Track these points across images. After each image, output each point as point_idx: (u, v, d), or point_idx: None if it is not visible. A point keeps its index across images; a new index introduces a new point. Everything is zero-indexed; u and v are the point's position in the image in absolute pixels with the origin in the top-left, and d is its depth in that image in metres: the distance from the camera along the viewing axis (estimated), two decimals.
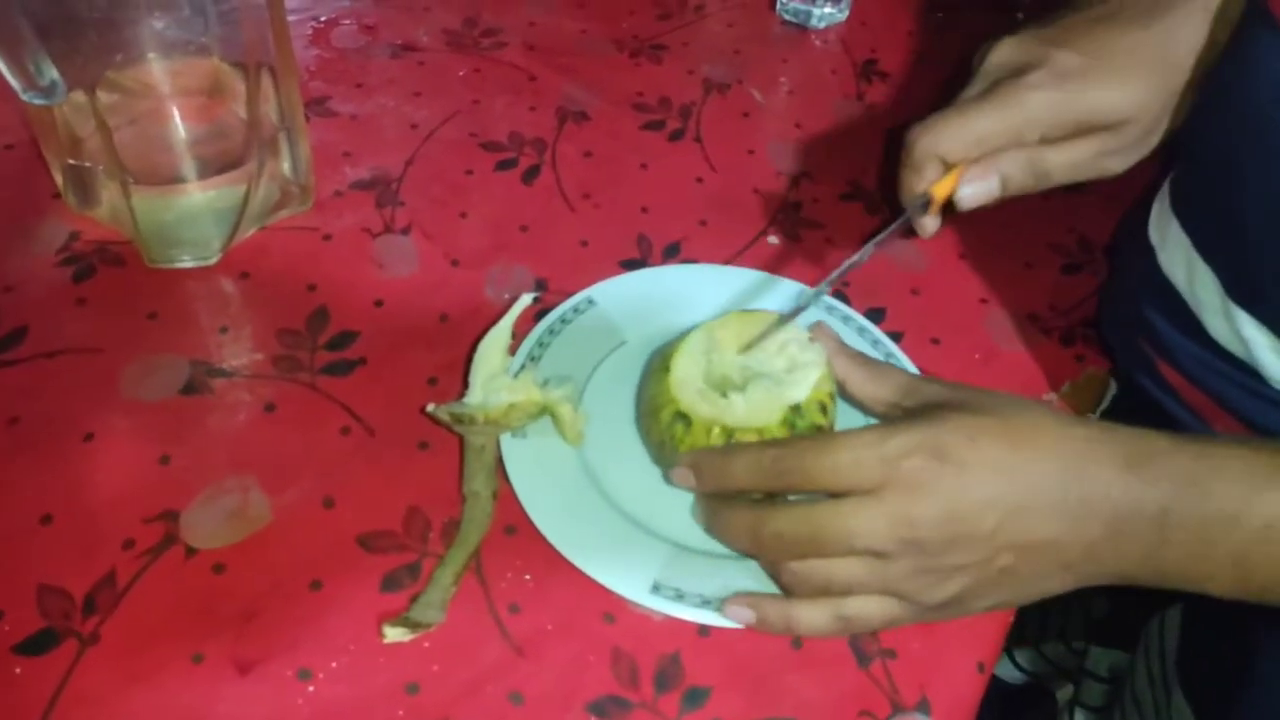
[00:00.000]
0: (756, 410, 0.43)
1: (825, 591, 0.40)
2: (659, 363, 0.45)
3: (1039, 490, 0.37)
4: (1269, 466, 0.36)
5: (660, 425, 0.44)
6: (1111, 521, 0.37)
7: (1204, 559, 0.37)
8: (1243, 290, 0.44)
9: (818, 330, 0.46)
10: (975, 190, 0.46)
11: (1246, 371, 0.45)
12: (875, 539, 0.37)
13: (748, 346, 0.46)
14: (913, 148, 0.46)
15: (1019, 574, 0.38)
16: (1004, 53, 0.47)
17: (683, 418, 0.43)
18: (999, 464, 0.37)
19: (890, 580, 0.39)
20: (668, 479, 0.44)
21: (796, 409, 0.43)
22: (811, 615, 0.41)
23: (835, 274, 0.47)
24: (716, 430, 0.42)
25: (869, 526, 0.37)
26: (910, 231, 0.48)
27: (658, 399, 0.44)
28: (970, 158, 0.46)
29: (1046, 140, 0.46)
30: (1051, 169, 0.46)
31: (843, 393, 0.45)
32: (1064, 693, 0.68)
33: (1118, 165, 0.48)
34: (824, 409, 0.44)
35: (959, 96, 0.47)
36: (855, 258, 0.46)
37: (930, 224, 0.48)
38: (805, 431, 0.43)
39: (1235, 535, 0.36)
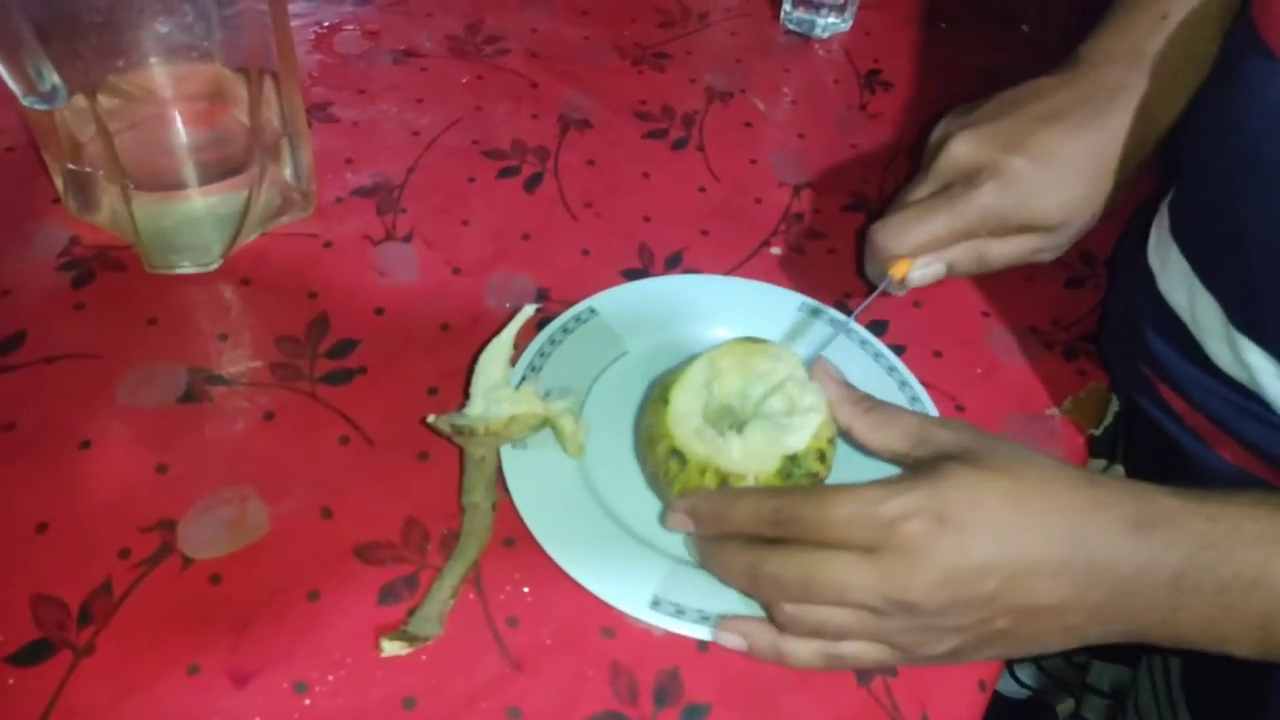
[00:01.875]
0: (753, 455, 0.42)
1: (818, 635, 0.39)
2: (658, 393, 0.44)
3: (1042, 554, 0.36)
4: None
5: (655, 458, 0.43)
6: (1119, 586, 0.36)
7: (1223, 622, 0.36)
8: (1246, 317, 0.43)
9: (818, 370, 0.44)
10: (924, 274, 0.50)
11: (1249, 397, 0.45)
12: (868, 597, 0.37)
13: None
14: (874, 244, 0.50)
15: (1017, 635, 0.38)
16: (960, 151, 0.50)
17: (677, 454, 0.42)
18: (1002, 527, 0.36)
19: (883, 634, 0.38)
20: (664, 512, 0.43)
21: (794, 459, 0.41)
22: (801, 651, 0.40)
23: (829, 339, 0.53)
24: (710, 472, 0.41)
25: (862, 584, 0.37)
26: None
27: (654, 430, 0.43)
28: (923, 253, 0.50)
29: (991, 235, 0.50)
30: (993, 259, 0.51)
31: (846, 438, 0.44)
32: (1065, 707, 0.68)
33: (1049, 258, 0.52)
34: (822, 456, 0.42)
35: (910, 191, 0.51)
36: (846, 321, 0.53)
37: (896, 290, 0.52)
38: (802, 480, 0.42)
39: (1255, 598, 0.35)
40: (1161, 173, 0.51)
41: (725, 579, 0.42)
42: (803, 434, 0.42)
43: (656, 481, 0.44)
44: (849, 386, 0.44)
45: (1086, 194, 0.50)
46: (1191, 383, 0.48)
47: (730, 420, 0.44)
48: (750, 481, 0.41)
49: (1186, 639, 0.37)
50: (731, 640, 0.41)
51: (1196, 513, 0.36)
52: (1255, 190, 0.41)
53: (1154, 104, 0.49)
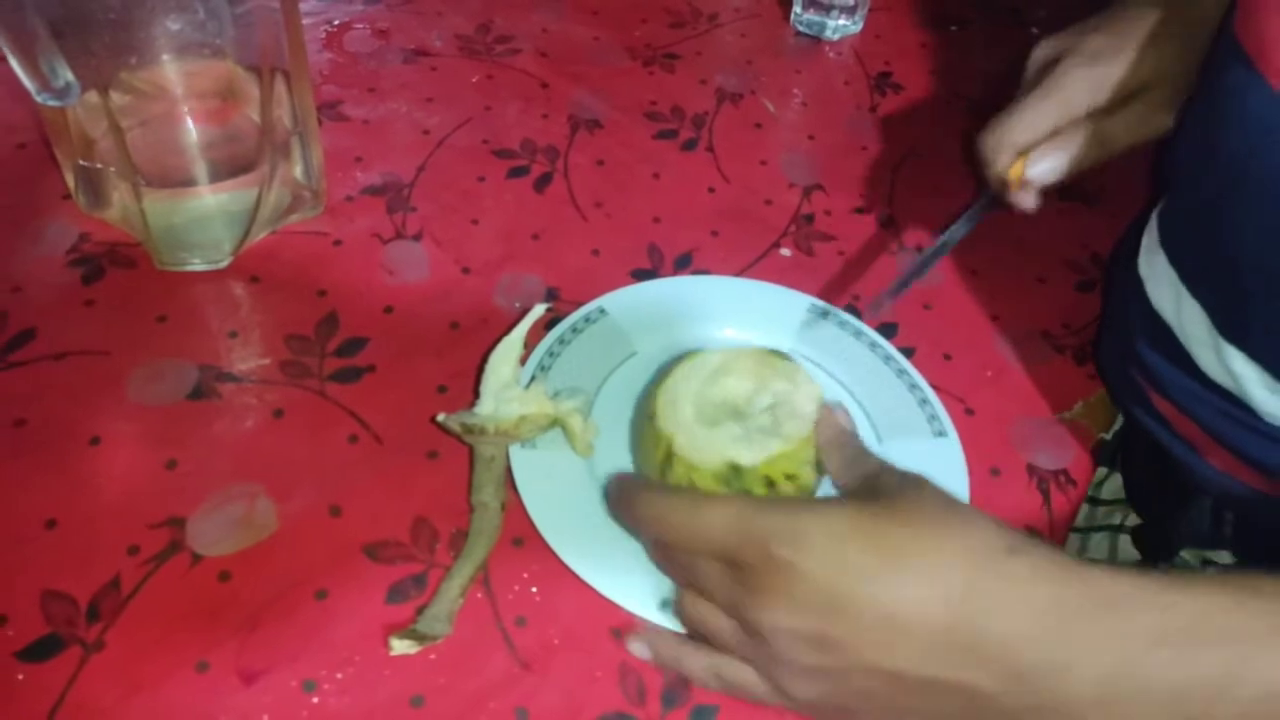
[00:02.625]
0: (704, 449, 0.41)
1: (702, 632, 0.38)
2: (671, 364, 0.45)
3: (909, 616, 0.31)
4: (1260, 621, 0.30)
5: (637, 414, 0.44)
6: (1022, 677, 0.30)
7: None
8: (1231, 326, 0.43)
9: (824, 418, 0.42)
10: (1045, 167, 0.49)
11: (1236, 404, 0.45)
12: (725, 601, 0.35)
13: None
14: (981, 145, 0.50)
15: (889, 705, 0.33)
16: (1043, 49, 0.52)
17: (650, 418, 0.43)
18: (862, 571, 0.32)
19: (750, 653, 0.36)
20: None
21: (737, 470, 0.40)
22: (695, 663, 0.38)
23: (930, 251, 0.53)
24: (663, 445, 0.42)
25: (719, 586, 0.35)
26: (999, 206, 0.52)
27: (652, 388, 0.45)
28: (1033, 142, 0.49)
29: (1095, 112, 0.49)
30: (1113, 132, 0.50)
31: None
32: None
33: (1164, 123, 0.50)
34: (771, 484, 0.41)
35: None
36: (947, 236, 0.53)
37: (1025, 199, 0.51)
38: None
39: (1220, 710, 0.29)
40: (1155, 182, 0.51)
41: (624, 518, 0.40)
42: (757, 453, 0.41)
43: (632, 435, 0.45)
44: (847, 439, 0.41)
45: (1169, 55, 0.49)
46: (1181, 390, 0.48)
47: (731, 417, 0.44)
48: (688, 473, 0.41)
49: None
50: (639, 650, 0.40)
51: (1149, 603, 0.30)
52: (1238, 199, 0.42)
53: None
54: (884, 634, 0.32)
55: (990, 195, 0.53)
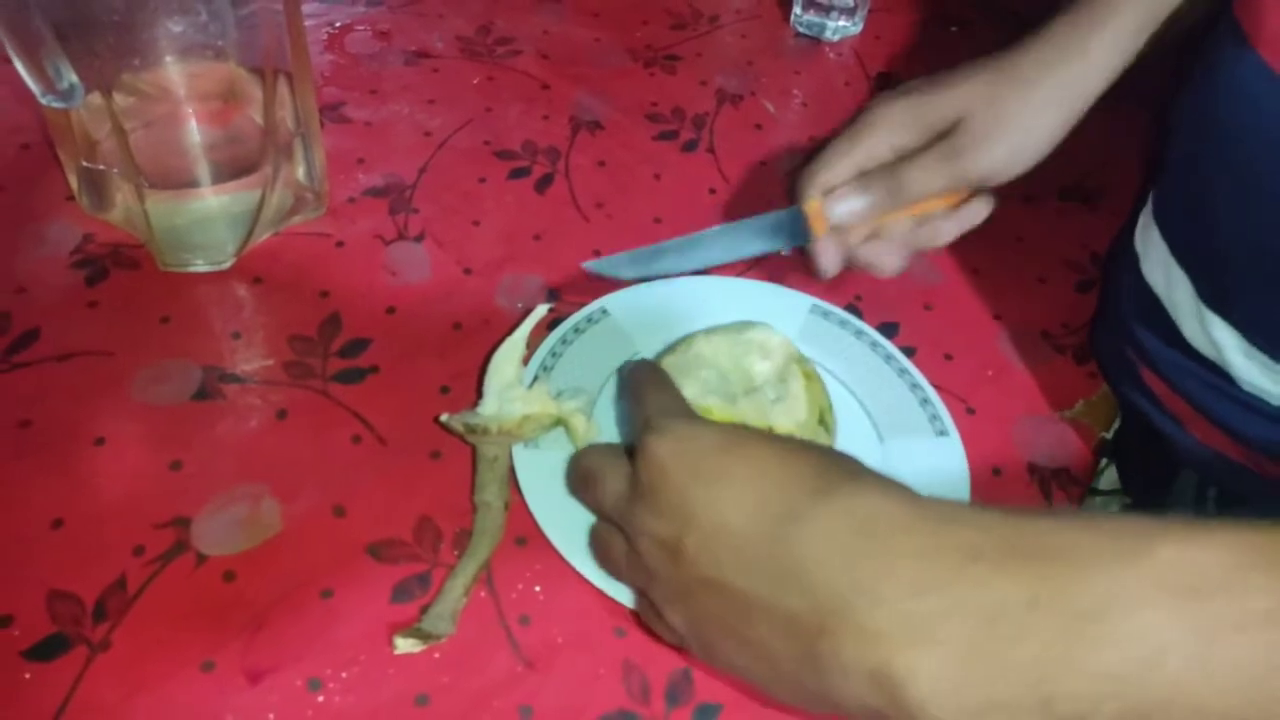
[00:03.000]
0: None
1: (596, 507, 0.39)
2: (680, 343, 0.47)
3: (735, 526, 0.31)
4: (1091, 539, 0.27)
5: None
6: (837, 610, 0.28)
7: (989, 663, 0.26)
8: (1214, 294, 0.45)
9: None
10: (840, 209, 0.47)
11: (1219, 374, 0.47)
12: (607, 500, 0.37)
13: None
14: (792, 183, 0.48)
15: (735, 633, 0.31)
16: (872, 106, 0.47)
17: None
18: (716, 478, 0.32)
19: (619, 556, 0.37)
20: None
21: None
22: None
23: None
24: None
25: (607, 480, 0.37)
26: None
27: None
28: (838, 183, 0.47)
29: (904, 153, 0.46)
30: (905, 179, 0.46)
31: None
32: None
33: (970, 169, 0.46)
34: None
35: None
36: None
37: (825, 249, 0.48)
38: None
39: (1041, 630, 0.26)
40: (1149, 172, 0.51)
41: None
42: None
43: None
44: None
45: (981, 87, 0.45)
46: (1169, 364, 0.49)
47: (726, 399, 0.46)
48: None
49: (933, 703, 0.26)
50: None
51: (974, 518, 0.29)
52: (1229, 171, 0.43)
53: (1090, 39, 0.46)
54: (717, 543, 0.31)
55: None
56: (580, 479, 0.39)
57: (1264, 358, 0.44)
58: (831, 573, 0.29)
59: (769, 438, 0.34)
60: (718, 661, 0.33)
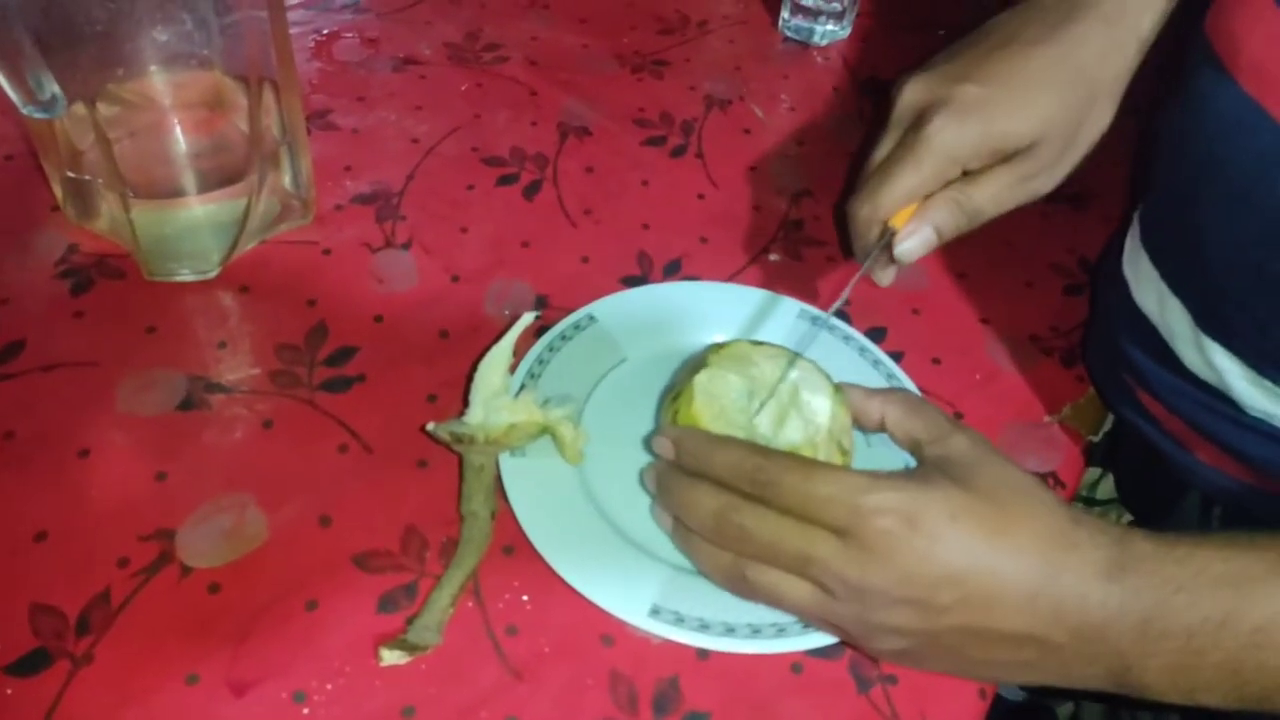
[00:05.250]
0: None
1: (773, 603, 0.40)
2: (699, 358, 0.46)
3: (1009, 584, 0.36)
4: (1256, 566, 0.35)
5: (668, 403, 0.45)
6: (1084, 630, 0.36)
7: (1193, 670, 0.35)
8: (1212, 322, 0.44)
9: (891, 393, 0.45)
10: (912, 244, 0.47)
11: (1220, 398, 0.46)
12: (825, 575, 0.37)
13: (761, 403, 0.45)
14: (854, 219, 0.48)
15: (968, 655, 0.38)
16: (910, 95, 0.48)
17: (683, 398, 0.44)
18: (973, 548, 0.36)
19: (831, 615, 0.39)
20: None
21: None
22: (715, 560, 0.41)
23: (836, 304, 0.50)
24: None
25: (825, 560, 0.37)
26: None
27: (680, 385, 0.45)
28: (900, 208, 0.47)
29: (970, 172, 0.47)
30: (980, 205, 0.47)
31: (865, 423, 0.45)
32: (1064, 710, 0.68)
33: (1044, 185, 0.48)
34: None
35: (874, 151, 0.49)
36: (835, 305, 0.50)
37: (885, 276, 0.51)
38: None
39: (1224, 643, 0.35)
40: (1136, 185, 0.51)
41: (688, 515, 0.41)
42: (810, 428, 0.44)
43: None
44: (920, 402, 0.44)
45: (1057, 103, 0.46)
46: (1167, 388, 0.48)
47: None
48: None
49: (1156, 689, 0.36)
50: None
51: (1167, 556, 0.36)
52: (1212, 198, 0.42)
53: (1125, 5, 0.47)
54: (984, 602, 0.36)
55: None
56: (737, 531, 0.39)
57: (1270, 384, 0.43)
58: (1085, 608, 0.36)
59: (988, 496, 0.37)
60: (927, 668, 0.40)
